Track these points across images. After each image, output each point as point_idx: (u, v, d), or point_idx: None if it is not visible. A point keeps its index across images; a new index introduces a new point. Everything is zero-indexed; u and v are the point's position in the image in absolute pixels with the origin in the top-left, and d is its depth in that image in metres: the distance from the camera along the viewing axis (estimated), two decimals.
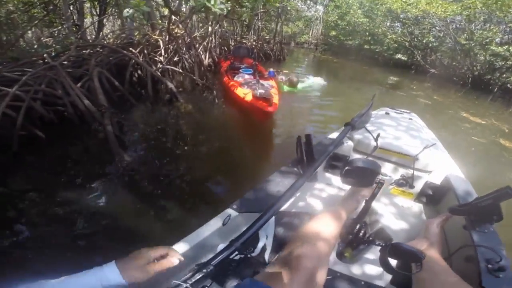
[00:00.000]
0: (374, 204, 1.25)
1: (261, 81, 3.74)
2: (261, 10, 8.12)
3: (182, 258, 0.57)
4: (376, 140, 1.34)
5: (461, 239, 0.93)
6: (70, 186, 1.94)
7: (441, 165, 1.42)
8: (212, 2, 2.44)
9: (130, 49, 4.28)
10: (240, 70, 4.41)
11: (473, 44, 10.29)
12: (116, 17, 7.47)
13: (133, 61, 3.85)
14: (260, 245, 0.94)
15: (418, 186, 1.39)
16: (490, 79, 10.47)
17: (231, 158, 2.49)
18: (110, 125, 2.40)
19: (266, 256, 0.91)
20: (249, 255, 0.79)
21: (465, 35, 10.74)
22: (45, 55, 3.38)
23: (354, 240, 0.94)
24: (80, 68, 3.48)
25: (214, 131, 3.07)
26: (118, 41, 4.89)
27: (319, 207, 1.21)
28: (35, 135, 2.44)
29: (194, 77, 4.31)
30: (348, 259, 0.92)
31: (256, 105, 2.93)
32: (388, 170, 1.49)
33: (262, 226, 0.72)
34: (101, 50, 4.09)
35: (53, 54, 3.59)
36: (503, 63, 10.20)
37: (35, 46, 3.83)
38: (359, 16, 13.98)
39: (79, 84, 3.02)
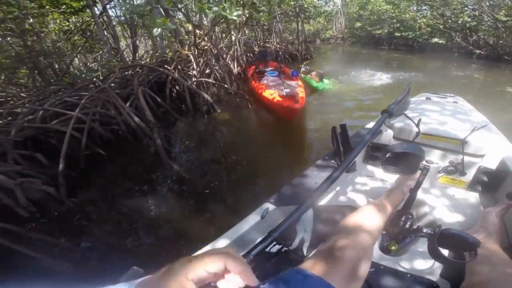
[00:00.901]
0: (422, 195, 1.22)
1: (287, 81, 3.97)
2: (279, 12, 8.39)
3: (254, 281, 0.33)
4: (417, 126, 1.31)
5: None
6: (130, 196, 2.27)
7: (495, 148, 1.31)
8: (228, 11, 2.66)
9: (166, 66, 4.74)
10: (265, 74, 4.68)
11: None
12: (147, 37, 8.20)
13: (170, 77, 4.28)
14: (298, 238, 0.95)
15: (471, 172, 1.31)
16: None
17: (267, 157, 2.70)
18: (159, 139, 2.73)
19: (305, 249, 0.92)
20: (287, 248, 0.79)
21: (503, 11, 9.94)
22: (94, 79, 3.91)
23: (400, 233, 0.91)
24: (126, 88, 3.97)
25: (251, 134, 3.37)
26: (154, 60, 5.45)
27: (360, 200, 1.18)
28: (97, 153, 2.86)
29: (226, 86, 4.66)
30: (394, 252, 0.88)
31: (284, 103, 3.17)
32: (434, 157, 1.40)
33: (299, 217, 0.72)
34: (140, 70, 4.60)
35: (101, 77, 4.12)
36: None
37: (84, 71, 4.42)
38: (381, 4, 13.69)
39: (127, 104, 3.45)
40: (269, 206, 0.95)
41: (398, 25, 13.74)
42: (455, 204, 1.21)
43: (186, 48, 5.03)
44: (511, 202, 0.96)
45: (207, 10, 2.71)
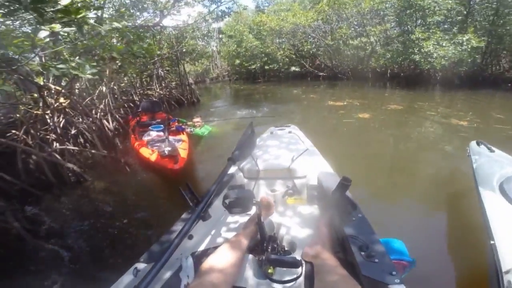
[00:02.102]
0: (279, 218, 1.60)
1: (171, 137, 4.17)
2: (155, 59, 8.68)
3: None
4: (257, 165, 1.85)
5: (341, 231, 1.15)
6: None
7: (314, 168, 1.81)
8: (80, 69, 2.41)
9: (14, 131, 4.30)
10: (149, 128, 4.67)
11: (337, 42, 14.25)
12: None
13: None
14: (181, 286, 1.12)
15: (304, 190, 1.76)
16: (363, 68, 14.46)
17: (147, 220, 2.98)
18: (16, 221, 2.62)
19: None
20: None
21: (329, 36, 14.66)
22: None
23: (267, 257, 1.08)
24: None
25: (130, 198, 3.50)
26: None
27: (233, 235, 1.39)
28: None
29: (93, 151, 4.53)
30: (271, 275, 1.05)
31: (162, 164, 3.33)
32: (277, 186, 1.88)
33: (159, 270, 0.85)
34: None
35: None
36: (363, 52, 14.29)
37: None
38: (252, 40, 17.11)
39: None
40: (139, 265, 1.10)
41: (266, 58, 17.43)
42: (303, 219, 1.57)
43: (40, 108, 4.67)
44: (329, 214, 1.29)
45: (52, 70, 2.40)
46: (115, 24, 2.52)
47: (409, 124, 6.21)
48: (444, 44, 9.68)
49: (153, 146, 3.96)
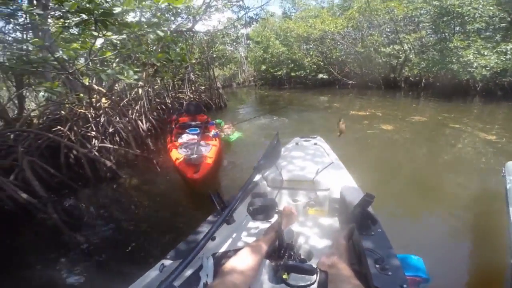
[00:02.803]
0: (299, 228, 1.65)
1: (203, 142, 4.14)
2: (189, 63, 8.89)
3: None
4: (281, 175, 1.90)
5: (359, 244, 1.18)
6: (35, 270, 2.36)
7: (337, 181, 1.84)
8: (126, 74, 2.65)
9: (59, 127, 4.67)
10: (187, 130, 4.76)
11: (368, 50, 13.66)
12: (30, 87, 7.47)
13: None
14: (201, 284, 1.18)
15: (326, 203, 1.80)
16: (396, 77, 13.73)
17: (173, 219, 3.08)
18: (55, 213, 2.83)
19: None
20: None
21: (360, 43, 14.11)
22: None
23: (284, 263, 1.14)
24: (7, 157, 3.75)
25: (159, 198, 3.61)
26: (44, 118, 5.13)
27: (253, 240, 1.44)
28: None
29: (127, 149, 4.69)
30: (286, 279, 1.09)
31: (183, 170, 3.28)
32: (300, 196, 1.92)
33: (184, 268, 0.93)
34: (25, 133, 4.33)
35: None
36: (396, 61, 13.53)
37: None
38: (278, 46, 17.03)
39: (12, 177, 3.34)
40: (165, 261, 1.17)
41: (293, 65, 17.22)
42: (322, 229, 1.65)
43: (84, 107, 5.02)
44: (350, 227, 1.32)
45: (101, 74, 2.65)
46: (160, 33, 2.67)
47: (443, 138, 5.80)
48: (485, 53, 8.95)
49: (183, 149, 3.99)
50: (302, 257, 1.32)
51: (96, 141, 4.70)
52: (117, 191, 3.85)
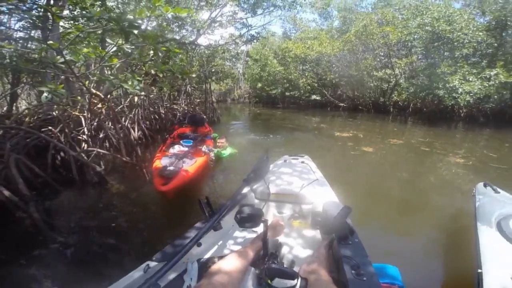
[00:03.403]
0: (284, 238, 1.73)
1: (190, 156, 4.07)
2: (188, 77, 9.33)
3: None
4: (268, 188, 2.01)
5: (338, 253, 1.26)
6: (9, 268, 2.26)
7: (321, 196, 1.95)
8: (130, 83, 2.67)
9: (50, 128, 4.62)
10: (181, 141, 4.76)
11: (361, 73, 14.04)
12: (32, 86, 7.41)
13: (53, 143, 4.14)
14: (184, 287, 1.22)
15: (309, 216, 1.91)
16: (385, 101, 14.08)
17: (158, 225, 3.03)
18: (36, 212, 2.76)
19: None
20: None
21: (354, 66, 14.55)
22: None
23: (269, 265, 1.22)
24: None
25: (146, 206, 3.52)
26: (36, 117, 5.07)
27: (238, 248, 1.48)
28: None
29: (118, 156, 4.62)
30: (271, 283, 1.15)
31: (155, 181, 3.29)
32: (285, 209, 2.04)
33: (169, 270, 1.00)
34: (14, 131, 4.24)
35: None
36: (387, 85, 13.94)
37: None
38: (275, 65, 17.53)
39: None
40: (151, 262, 1.21)
41: (288, 85, 17.64)
42: (304, 240, 1.75)
43: (78, 109, 5.02)
44: (330, 238, 1.43)
45: (107, 81, 2.75)
46: (171, 46, 2.76)
47: (424, 161, 5.99)
48: (470, 79, 9.25)
49: (167, 159, 3.93)
50: (285, 265, 1.39)
51: (85, 144, 4.65)
52: (102, 196, 3.76)
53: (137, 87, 2.71)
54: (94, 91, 4.78)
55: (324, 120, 12.44)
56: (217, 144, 5.53)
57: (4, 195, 2.93)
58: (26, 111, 5.37)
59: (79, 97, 5.04)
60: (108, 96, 5.57)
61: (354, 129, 9.71)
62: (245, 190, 2.02)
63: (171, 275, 1.25)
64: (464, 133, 9.39)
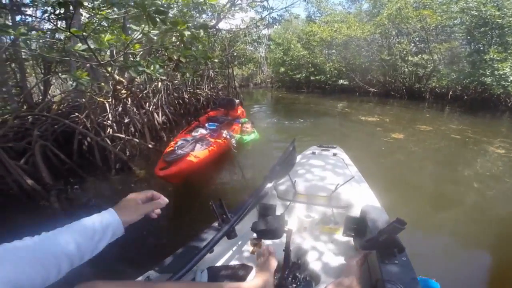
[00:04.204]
0: (308, 244, 1.51)
1: (207, 141, 3.79)
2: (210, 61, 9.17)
3: (166, 200, 0.80)
4: (294, 187, 1.69)
5: (378, 273, 1.05)
6: None
7: (358, 198, 1.65)
8: (152, 68, 2.61)
9: (77, 114, 4.61)
10: (206, 125, 4.62)
11: (394, 58, 12.99)
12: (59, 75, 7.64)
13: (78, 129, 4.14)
14: None
15: (342, 221, 1.55)
16: (420, 88, 12.96)
17: (178, 221, 2.75)
18: (57, 202, 2.68)
19: None
20: None
21: (386, 51, 13.46)
22: None
23: (289, 283, 1.12)
24: (23, 140, 3.72)
25: (169, 194, 3.37)
26: (65, 104, 5.15)
27: (252, 258, 1.33)
28: None
29: (138, 141, 4.51)
30: None
31: (157, 163, 3.13)
32: (313, 212, 1.71)
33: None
34: (44, 118, 4.33)
35: None
36: (423, 71, 12.76)
37: None
38: (300, 49, 16.65)
39: (22, 161, 3.24)
40: (153, 274, 1.06)
41: (313, 69, 16.78)
42: (334, 250, 1.47)
43: (103, 96, 5.00)
44: (366, 252, 1.21)
45: (131, 68, 2.57)
46: (193, 31, 2.58)
47: (466, 155, 5.29)
48: None
49: (182, 142, 3.68)
50: (308, 278, 1.23)
51: (110, 129, 4.59)
52: (124, 182, 3.66)
53: (159, 72, 2.64)
54: (117, 77, 4.67)
55: (353, 106, 11.53)
56: (243, 128, 5.23)
57: (27, 184, 2.88)
58: (54, 99, 5.45)
59: (103, 84, 4.96)
60: (133, 82, 5.47)
61: (386, 115, 8.93)
62: (267, 187, 1.66)
63: None
64: (511, 123, 8.34)
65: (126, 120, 5.26)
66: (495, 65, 8.77)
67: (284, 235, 1.17)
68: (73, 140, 4.12)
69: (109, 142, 4.13)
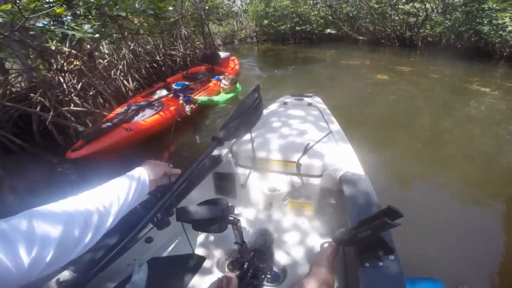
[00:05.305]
0: (272, 227, 1.24)
1: (157, 106, 3.36)
2: (177, 17, 8.37)
3: (179, 170, 0.83)
4: (253, 151, 1.33)
5: (355, 275, 0.80)
6: None
7: (335, 161, 1.25)
8: (79, 29, 2.33)
9: (32, 95, 4.19)
10: (173, 85, 4.10)
11: (383, 6, 12.38)
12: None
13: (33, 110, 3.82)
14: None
15: (315, 194, 1.26)
16: (412, 35, 12.50)
17: None
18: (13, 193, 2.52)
19: None
20: None
21: None
22: None
23: (248, 280, 0.93)
24: None
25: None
26: (21, 85, 4.74)
27: (205, 245, 1.18)
28: None
29: (96, 111, 4.23)
30: None
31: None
32: (278, 182, 1.35)
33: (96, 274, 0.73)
34: None
35: None
36: (415, 19, 12.17)
37: None
38: (282, 0, 15.39)
39: None
40: (66, 274, 0.88)
41: (298, 19, 15.74)
42: (306, 234, 1.19)
43: (54, 71, 4.42)
44: (338, 246, 0.95)
45: (49, 32, 2.30)
46: None
47: (465, 97, 5.27)
48: None
49: (125, 109, 3.29)
50: (274, 269, 1.05)
51: (72, 104, 4.25)
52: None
53: (89, 31, 2.34)
54: (65, 48, 4.18)
55: (341, 53, 11.22)
56: (221, 85, 4.49)
57: None
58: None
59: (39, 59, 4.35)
60: (82, 51, 4.87)
61: (379, 63, 8.78)
62: (221, 152, 1.36)
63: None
64: (507, 70, 8.13)
65: (91, 92, 4.87)
66: (494, 15, 8.44)
67: (230, 226, 0.89)
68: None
69: (68, 116, 3.87)
